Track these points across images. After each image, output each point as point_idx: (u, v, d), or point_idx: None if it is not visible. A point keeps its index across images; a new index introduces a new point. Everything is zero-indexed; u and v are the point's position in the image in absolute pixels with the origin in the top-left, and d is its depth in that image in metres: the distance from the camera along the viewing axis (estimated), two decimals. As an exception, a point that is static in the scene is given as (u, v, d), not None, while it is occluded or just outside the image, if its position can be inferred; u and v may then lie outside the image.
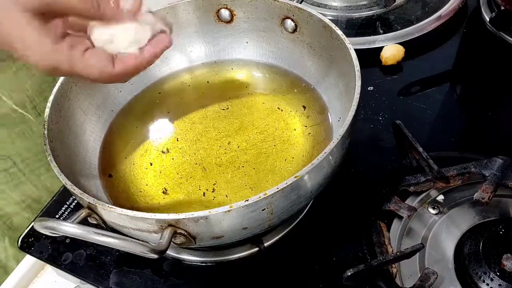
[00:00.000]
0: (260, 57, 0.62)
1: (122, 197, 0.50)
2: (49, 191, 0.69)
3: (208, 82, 0.61)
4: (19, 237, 0.55)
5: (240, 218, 0.38)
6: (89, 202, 0.39)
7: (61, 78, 0.51)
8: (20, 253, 0.70)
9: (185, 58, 0.63)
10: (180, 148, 0.54)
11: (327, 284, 0.47)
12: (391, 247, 0.48)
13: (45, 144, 0.44)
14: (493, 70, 0.68)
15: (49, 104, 0.48)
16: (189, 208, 0.48)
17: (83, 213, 0.40)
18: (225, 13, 0.60)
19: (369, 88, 0.66)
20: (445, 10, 0.75)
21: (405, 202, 0.51)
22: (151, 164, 0.53)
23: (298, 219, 0.52)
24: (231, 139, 0.54)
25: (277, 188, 0.37)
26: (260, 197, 0.36)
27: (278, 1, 0.56)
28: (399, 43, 0.70)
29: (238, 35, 0.61)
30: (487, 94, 0.65)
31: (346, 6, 0.80)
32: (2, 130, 0.61)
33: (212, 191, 0.49)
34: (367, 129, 0.61)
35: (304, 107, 0.56)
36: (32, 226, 0.55)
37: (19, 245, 0.54)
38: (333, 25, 0.51)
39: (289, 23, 0.57)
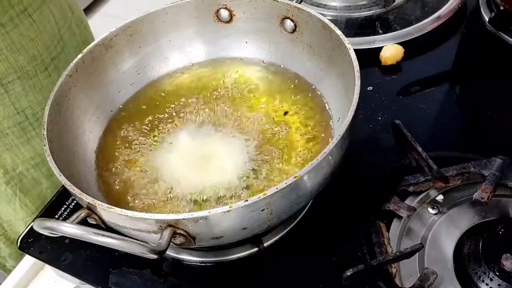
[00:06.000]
0: (260, 57, 0.62)
1: (121, 197, 0.50)
2: None
3: (207, 82, 0.61)
4: (19, 237, 0.55)
5: (239, 218, 0.38)
6: (88, 202, 0.39)
7: (61, 78, 0.51)
8: (27, 217, 0.72)
9: (185, 58, 0.63)
10: (180, 148, 0.54)
11: (327, 284, 0.47)
12: (391, 247, 0.48)
13: (44, 145, 0.44)
14: (493, 70, 0.68)
15: (48, 105, 0.48)
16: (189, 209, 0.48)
17: (82, 213, 0.40)
18: (224, 13, 0.60)
19: (368, 88, 0.66)
20: (445, 10, 0.75)
21: (405, 202, 0.51)
22: (151, 165, 0.53)
23: (298, 219, 0.52)
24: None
25: (277, 188, 0.37)
26: (259, 197, 0.36)
27: (277, 1, 0.56)
28: (399, 43, 0.70)
29: (237, 35, 0.61)
30: (487, 94, 0.65)
31: (345, 6, 0.80)
32: (17, 84, 0.63)
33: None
34: (367, 129, 0.61)
35: (303, 107, 0.56)
36: (32, 226, 0.55)
37: (18, 245, 0.54)
38: (332, 25, 0.51)
39: (289, 23, 0.57)
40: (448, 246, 0.47)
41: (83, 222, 0.39)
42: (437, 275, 0.43)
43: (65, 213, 0.56)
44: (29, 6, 0.61)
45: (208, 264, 0.51)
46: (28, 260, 0.57)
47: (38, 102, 0.66)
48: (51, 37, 0.66)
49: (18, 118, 0.65)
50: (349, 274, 0.43)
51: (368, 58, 0.70)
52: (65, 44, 0.69)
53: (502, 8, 0.70)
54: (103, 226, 0.41)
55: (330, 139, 0.51)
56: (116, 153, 0.54)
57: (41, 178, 0.71)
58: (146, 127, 0.57)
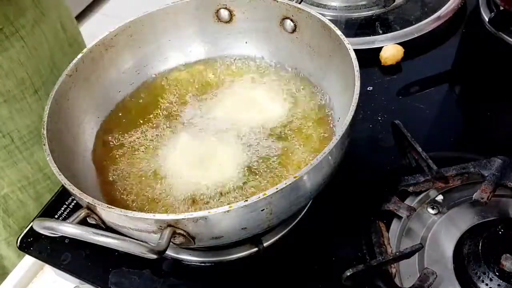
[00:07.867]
0: (260, 57, 0.62)
1: (121, 197, 0.50)
2: (42, 171, 0.69)
3: (207, 82, 0.61)
4: (18, 237, 0.55)
5: (239, 218, 0.38)
6: (88, 202, 0.39)
7: (61, 78, 0.51)
8: (10, 237, 0.70)
9: (184, 58, 0.63)
10: (179, 147, 0.54)
11: (326, 284, 0.47)
12: (390, 247, 0.48)
13: (44, 144, 0.44)
14: (492, 70, 0.68)
15: (48, 105, 0.48)
16: (189, 208, 0.48)
17: (82, 213, 0.40)
18: (224, 13, 0.60)
19: (368, 88, 0.66)
20: (444, 10, 0.75)
21: (404, 202, 0.51)
22: (150, 164, 0.53)
23: (298, 219, 0.52)
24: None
25: (276, 189, 0.37)
26: (259, 197, 0.36)
27: (277, 1, 0.56)
28: (399, 43, 0.70)
29: (237, 35, 0.61)
30: (486, 94, 0.65)
31: (345, 6, 0.80)
32: (3, 107, 0.61)
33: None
34: (367, 129, 0.61)
35: (303, 107, 0.56)
36: (31, 226, 0.55)
37: (18, 245, 0.54)
38: (332, 25, 0.51)
39: (288, 23, 0.57)
40: (448, 246, 0.47)
41: (83, 222, 0.39)
42: (436, 275, 0.43)
43: (65, 213, 0.56)
44: (21, 29, 0.59)
45: (207, 264, 0.51)
46: (28, 260, 0.57)
47: (25, 126, 0.64)
48: (42, 59, 0.64)
49: (4, 141, 0.63)
50: (348, 274, 0.43)
51: (368, 58, 0.70)
52: (55, 65, 0.67)
53: (502, 8, 0.70)
54: (103, 226, 0.41)
55: (329, 139, 0.51)
56: (116, 153, 0.54)
57: (28, 200, 0.70)
58: (146, 127, 0.57)
